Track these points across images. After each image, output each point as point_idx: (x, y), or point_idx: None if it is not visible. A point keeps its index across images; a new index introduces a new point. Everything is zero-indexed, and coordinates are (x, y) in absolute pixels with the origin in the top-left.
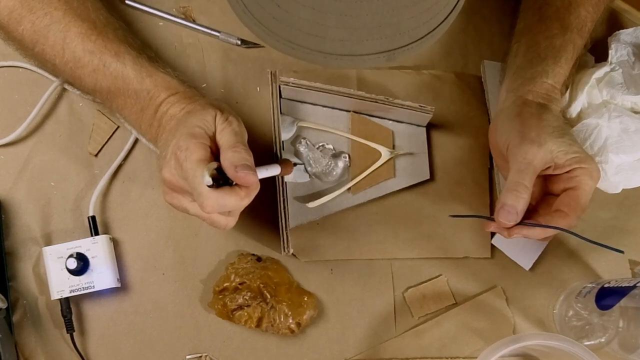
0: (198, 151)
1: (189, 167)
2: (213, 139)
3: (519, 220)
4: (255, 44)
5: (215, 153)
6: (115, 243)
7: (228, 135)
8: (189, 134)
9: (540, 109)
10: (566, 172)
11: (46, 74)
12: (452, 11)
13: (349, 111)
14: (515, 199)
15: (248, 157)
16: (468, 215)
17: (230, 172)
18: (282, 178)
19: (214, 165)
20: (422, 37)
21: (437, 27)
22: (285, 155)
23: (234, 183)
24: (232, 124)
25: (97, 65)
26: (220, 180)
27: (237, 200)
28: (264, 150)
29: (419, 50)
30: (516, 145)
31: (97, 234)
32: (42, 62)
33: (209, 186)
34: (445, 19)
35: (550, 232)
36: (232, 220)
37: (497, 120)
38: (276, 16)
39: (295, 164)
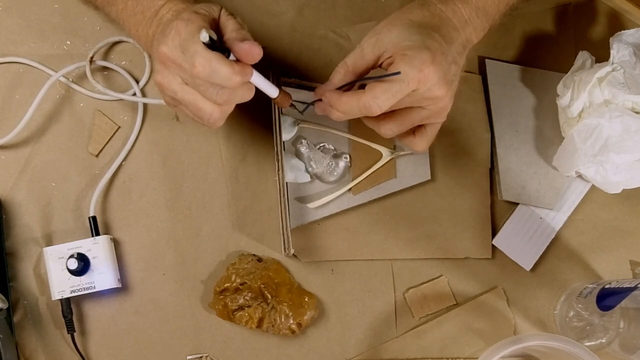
0: (200, 21)
1: (187, 31)
2: (216, 25)
3: (330, 89)
4: None
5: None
6: (116, 243)
7: (233, 23)
8: (193, 11)
9: (415, 6)
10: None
11: (46, 69)
12: None
13: None
14: (333, 74)
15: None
16: (305, 107)
17: (235, 35)
18: (282, 172)
19: (214, 34)
20: None
21: None
22: (286, 156)
23: (230, 57)
24: (236, 18)
25: None
26: (217, 50)
27: (229, 72)
28: (264, 150)
29: None
30: None
31: (97, 234)
32: None
33: (204, 43)
34: None
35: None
36: (217, 111)
37: None
38: None
39: (293, 104)
